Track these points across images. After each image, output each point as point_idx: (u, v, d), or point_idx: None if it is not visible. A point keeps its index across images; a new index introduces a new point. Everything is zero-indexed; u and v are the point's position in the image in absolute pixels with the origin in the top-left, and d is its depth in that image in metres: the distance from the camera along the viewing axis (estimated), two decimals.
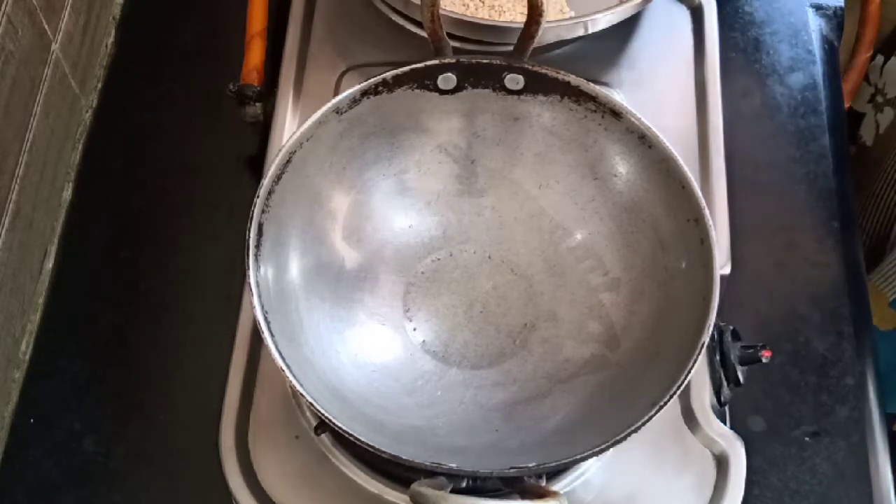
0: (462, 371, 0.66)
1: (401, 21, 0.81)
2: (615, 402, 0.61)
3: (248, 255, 0.58)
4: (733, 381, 0.68)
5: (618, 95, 0.64)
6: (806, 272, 0.77)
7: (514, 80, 0.66)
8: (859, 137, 1.04)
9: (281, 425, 0.67)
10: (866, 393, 0.72)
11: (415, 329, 0.68)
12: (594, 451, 0.55)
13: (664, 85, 0.80)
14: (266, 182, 0.60)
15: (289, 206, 0.63)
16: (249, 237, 0.59)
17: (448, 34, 0.66)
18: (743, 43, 0.87)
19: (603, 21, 0.74)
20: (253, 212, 0.59)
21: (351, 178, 0.68)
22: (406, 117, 0.67)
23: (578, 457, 0.55)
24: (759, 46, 0.86)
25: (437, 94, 0.66)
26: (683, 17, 0.83)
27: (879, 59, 0.98)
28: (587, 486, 0.65)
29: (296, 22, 0.81)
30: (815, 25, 0.87)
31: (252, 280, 0.58)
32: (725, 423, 0.69)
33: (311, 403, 0.55)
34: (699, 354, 0.56)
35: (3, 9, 0.65)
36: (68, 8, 0.77)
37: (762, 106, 0.84)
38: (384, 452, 0.54)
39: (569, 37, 0.74)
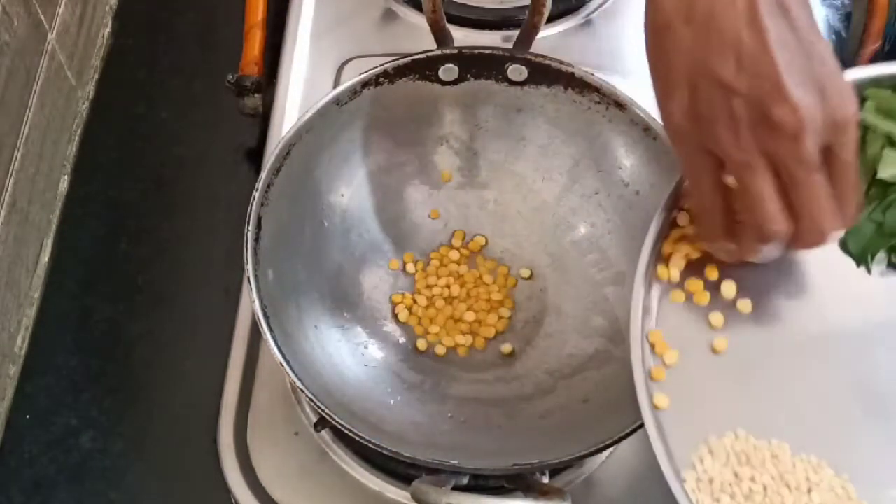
0: (464, 367, 0.66)
1: (402, 11, 0.81)
2: (620, 397, 0.60)
3: (246, 249, 0.58)
4: None
5: (622, 86, 0.63)
6: None
7: (517, 71, 0.65)
8: None
9: (280, 422, 0.66)
10: None
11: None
12: (598, 447, 0.54)
13: None
14: (265, 174, 0.60)
15: (288, 198, 0.62)
16: (248, 231, 0.58)
17: (450, 21, 0.65)
18: None
19: None
20: (252, 205, 0.59)
21: (351, 170, 0.67)
22: (407, 109, 0.66)
23: (582, 454, 0.55)
24: None
25: (438, 85, 0.66)
26: None
27: None
28: (591, 483, 0.65)
29: (296, 12, 0.81)
30: (822, 16, 0.86)
31: (251, 274, 0.57)
32: None
33: (310, 399, 0.54)
34: None
35: None
36: None
37: None
38: (385, 449, 0.53)
39: None
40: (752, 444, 0.49)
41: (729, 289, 0.52)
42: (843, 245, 0.53)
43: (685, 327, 0.52)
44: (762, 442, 0.49)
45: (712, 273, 0.53)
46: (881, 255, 0.53)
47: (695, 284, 0.53)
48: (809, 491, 0.48)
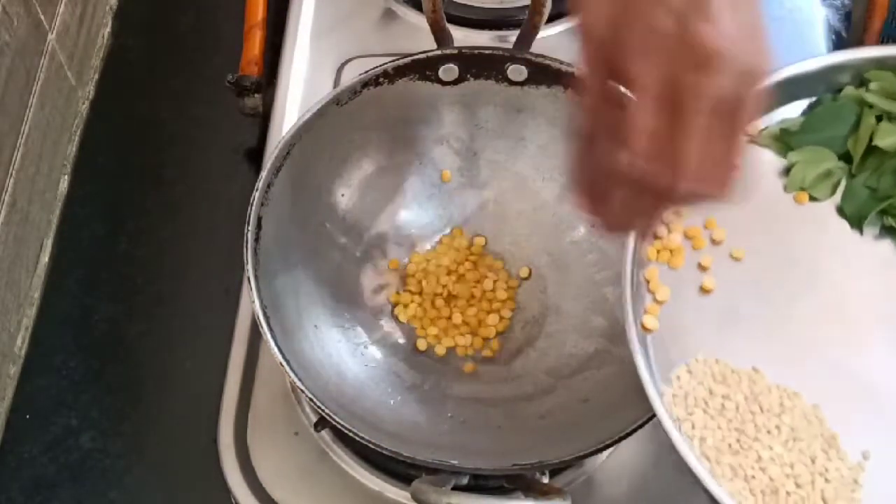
0: (464, 366, 0.66)
1: (402, 10, 0.80)
2: (619, 397, 0.60)
3: (246, 249, 0.58)
4: None
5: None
6: None
7: (518, 71, 0.65)
8: None
9: (280, 421, 0.66)
10: None
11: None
12: (598, 447, 0.55)
13: None
14: (265, 174, 0.60)
15: (288, 198, 0.62)
16: (248, 231, 0.58)
17: (450, 21, 0.65)
18: None
19: None
20: (252, 205, 0.59)
21: (351, 170, 0.67)
22: (407, 109, 0.66)
23: (582, 454, 0.55)
24: None
25: (438, 85, 0.66)
26: None
27: None
28: (591, 483, 0.65)
29: (296, 12, 0.81)
30: (822, 16, 0.86)
31: (251, 274, 0.57)
32: None
33: (310, 399, 0.54)
34: None
35: None
36: None
37: None
38: (385, 449, 0.53)
39: None
40: (730, 369, 0.51)
41: (722, 234, 0.54)
42: (840, 209, 0.56)
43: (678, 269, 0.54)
44: (741, 368, 0.51)
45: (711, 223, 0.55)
46: (875, 220, 0.55)
47: (693, 230, 0.54)
48: (781, 414, 0.49)
